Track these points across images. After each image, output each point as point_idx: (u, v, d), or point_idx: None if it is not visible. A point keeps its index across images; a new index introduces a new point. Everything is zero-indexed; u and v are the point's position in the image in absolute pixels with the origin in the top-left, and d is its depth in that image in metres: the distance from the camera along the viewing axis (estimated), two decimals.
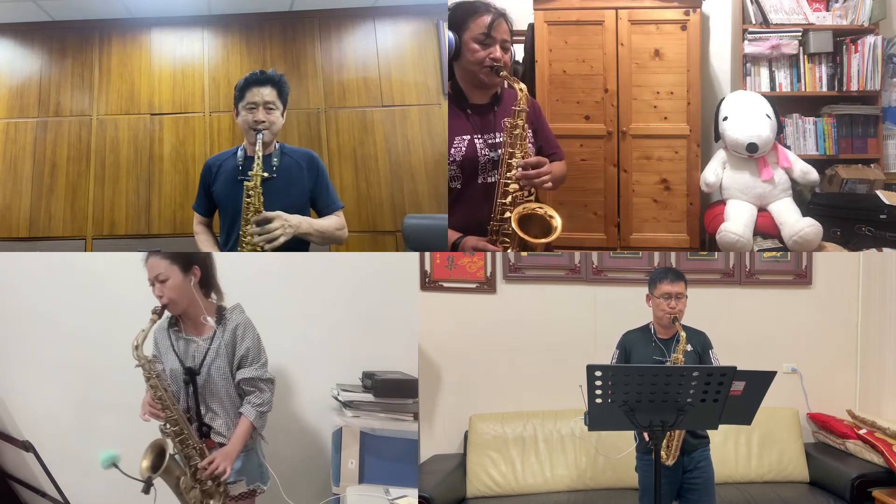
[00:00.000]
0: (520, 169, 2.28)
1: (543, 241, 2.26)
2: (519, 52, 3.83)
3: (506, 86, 2.41)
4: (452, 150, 2.37)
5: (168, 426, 2.33)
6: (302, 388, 2.97)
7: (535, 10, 3.78)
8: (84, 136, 4.34)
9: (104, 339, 2.88)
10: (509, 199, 2.31)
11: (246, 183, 2.56)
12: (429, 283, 3.59)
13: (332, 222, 2.75)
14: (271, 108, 2.65)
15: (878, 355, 3.45)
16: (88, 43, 4.45)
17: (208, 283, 2.47)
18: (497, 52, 2.30)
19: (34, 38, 4.44)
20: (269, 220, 2.53)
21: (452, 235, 2.38)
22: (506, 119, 2.34)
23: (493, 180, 2.37)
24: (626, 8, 3.80)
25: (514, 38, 2.41)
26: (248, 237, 2.55)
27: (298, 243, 2.65)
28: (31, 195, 4.26)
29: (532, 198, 2.34)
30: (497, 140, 2.37)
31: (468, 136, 2.38)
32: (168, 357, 2.42)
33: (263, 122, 2.62)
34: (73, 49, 4.44)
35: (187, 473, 2.32)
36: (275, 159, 2.67)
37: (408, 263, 3.24)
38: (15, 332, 2.94)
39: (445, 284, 3.59)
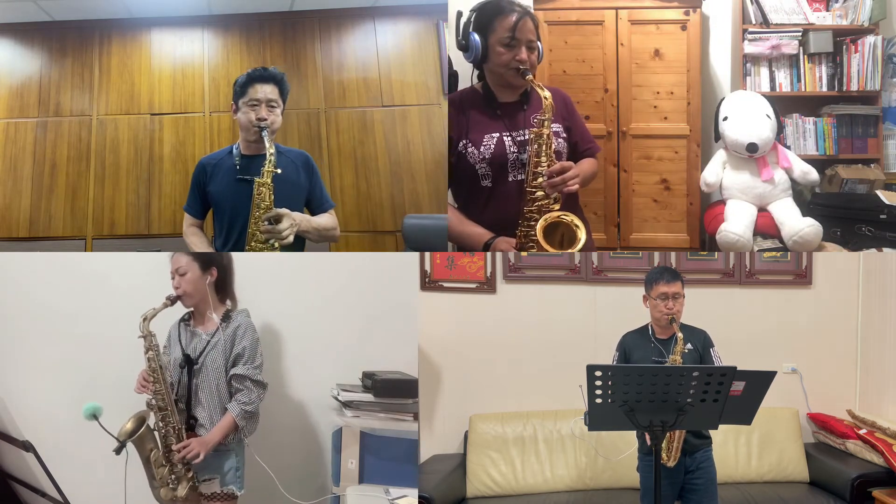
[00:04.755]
0: (545, 177, 2.30)
1: (567, 251, 2.35)
2: None
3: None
4: (482, 147, 2.38)
5: (154, 400, 2.44)
6: (302, 388, 2.97)
7: (535, 10, 3.77)
8: (84, 136, 4.34)
9: (104, 339, 2.88)
10: (535, 206, 2.34)
11: (257, 180, 2.52)
12: (429, 283, 3.59)
13: (328, 220, 2.76)
14: (273, 106, 2.61)
15: (878, 355, 3.45)
16: (88, 43, 4.45)
17: (224, 287, 2.59)
18: (523, 53, 2.31)
19: (34, 38, 4.44)
20: (279, 217, 2.50)
21: (485, 235, 2.39)
22: (531, 128, 2.35)
23: (522, 177, 2.38)
24: (626, 8, 3.80)
25: None
26: (259, 235, 2.51)
27: (296, 241, 2.62)
28: (31, 195, 4.26)
29: (557, 205, 2.35)
30: (526, 137, 2.38)
31: (497, 134, 2.40)
32: (174, 347, 2.56)
33: (266, 119, 2.58)
34: (73, 49, 4.44)
35: (160, 449, 2.43)
36: None
37: (408, 263, 3.23)
38: (15, 332, 2.93)
39: (445, 284, 3.59)
